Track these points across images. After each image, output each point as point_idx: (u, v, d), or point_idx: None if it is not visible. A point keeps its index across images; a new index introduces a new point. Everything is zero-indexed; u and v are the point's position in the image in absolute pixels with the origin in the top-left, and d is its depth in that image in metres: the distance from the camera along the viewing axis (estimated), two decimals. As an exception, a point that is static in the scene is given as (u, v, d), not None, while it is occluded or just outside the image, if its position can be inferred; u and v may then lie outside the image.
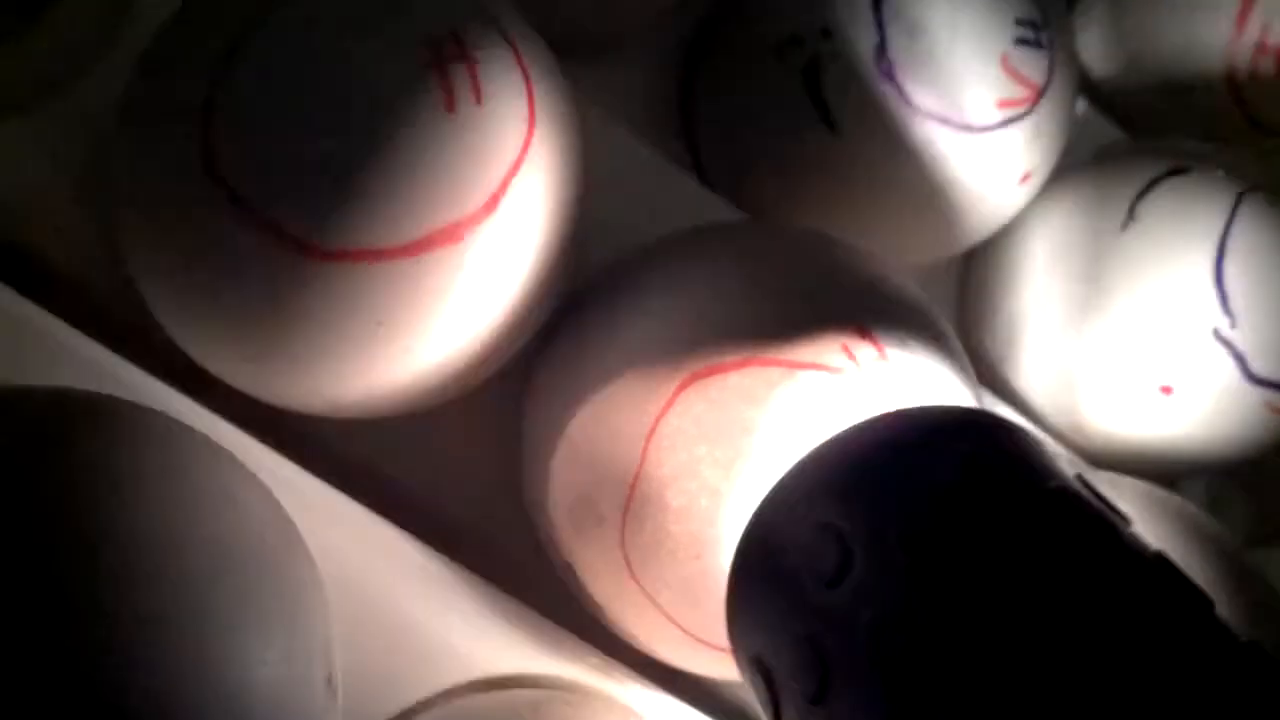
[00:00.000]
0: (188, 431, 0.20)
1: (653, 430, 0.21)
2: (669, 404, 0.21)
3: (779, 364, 0.21)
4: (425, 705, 0.23)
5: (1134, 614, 0.14)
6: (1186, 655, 0.14)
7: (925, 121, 0.27)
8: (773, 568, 0.17)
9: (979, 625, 0.14)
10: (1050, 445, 0.17)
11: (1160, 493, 0.29)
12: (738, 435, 0.21)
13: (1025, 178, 0.29)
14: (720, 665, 0.22)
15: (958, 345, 0.23)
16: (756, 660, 0.17)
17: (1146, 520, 0.27)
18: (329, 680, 0.19)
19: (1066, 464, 0.16)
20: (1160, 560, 0.15)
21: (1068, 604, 0.14)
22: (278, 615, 0.18)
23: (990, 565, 0.15)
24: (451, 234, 0.20)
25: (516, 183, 0.21)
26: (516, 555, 0.25)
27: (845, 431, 0.17)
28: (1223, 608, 0.25)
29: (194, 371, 0.22)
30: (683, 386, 0.21)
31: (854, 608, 0.15)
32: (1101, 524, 0.15)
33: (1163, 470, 0.32)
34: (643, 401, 0.21)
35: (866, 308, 0.22)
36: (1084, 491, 0.16)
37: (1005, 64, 0.27)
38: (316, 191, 0.19)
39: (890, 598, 0.15)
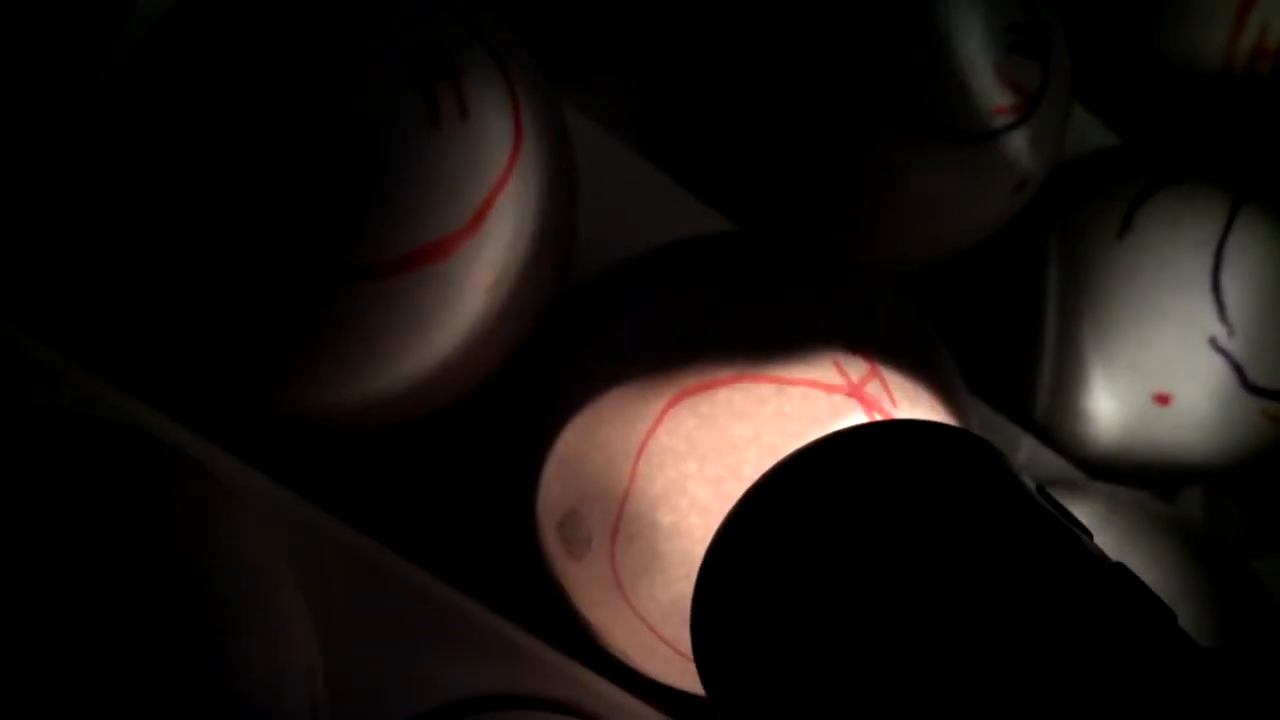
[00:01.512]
0: (165, 450, 0.20)
1: (642, 446, 0.21)
2: (659, 420, 0.21)
3: (770, 380, 0.21)
4: (412, 726, 0.23)
5: (1094, 625, 0.14)
6: (1147, 666, 0.14)
7: (917, 129, 0.27)
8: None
9: (938, 636, 0.14)
10: (1013, 458, 0.17)
11: (1158, 504, 0.29)
12: (728, 452, 0.20)
13: (1020, 185, 0.29)
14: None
15: (950, 359, 0.23)
16: None
17: (1144, 532, 0.27)
18: (313, 709, 0.19)
19: (1029, 478, 0.16)
20: (1121, 572, 0.15)
21: (1027, 614, 0.14)
22: (259, 640, 0.18)
23: (950, 577, 0.14)
24: (438, 250, 0.20)
25: (503, 197, 0.20)
26: (504, 573, 0.25)
27: (805, 446, 0.17)
28: (1221, 619, 0.25)
29: (174, 388, 0.22)
30: (673, 402, 0.21)
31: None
32: (1061, 536, 0.15)
33: (1160, 480, 0.32)
34: (632, 417, 0.21)
35: (858, 323, 0.22)
36: (1044, 504, 0.16)
37: (999, 71, 0.27)
38: (300, 208, 0.19)
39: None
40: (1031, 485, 0.16)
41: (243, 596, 0.18)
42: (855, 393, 0.21)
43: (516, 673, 0.24)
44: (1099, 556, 0.15)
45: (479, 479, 0.25)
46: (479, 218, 0.20)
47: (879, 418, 0.21)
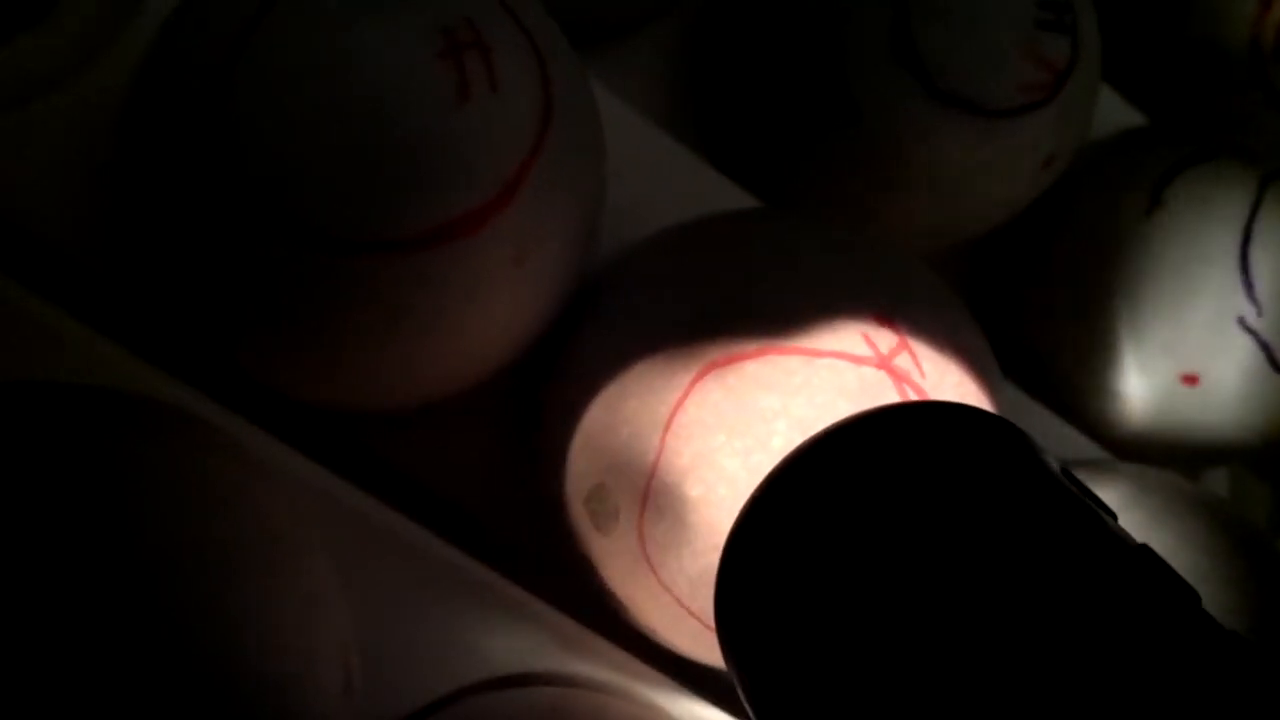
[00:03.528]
0: (200, 426, 0.20)
1: (670, 420, 0.21)
2: (686, 393, 0.21)
3: (798, 352, 0.21)
4: (443, 703, 0.23)
5: (1118, 606, 0.14)
6: (1171, 647, 0.14)
7: (945, 106, 0.26)
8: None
9: (959, 616, 0.14)
10: (1037, 440, 0.17)
11: (1186, 484, 0.29)
12: (756, 424, 0.20)
13: (1047, 162, 0.28)
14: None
15: (979, 333, 0.23)
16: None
17: (1173, 512, 0.27)
18: (347, 682, 0.19)
19: (1053, 459, 0.16)
20: (1145, 553, 0.15)
21: (1051, 596, 0.14)
22: (292, 613, 0.18)
23: (973, 559, 0.14)
24: (468, 224, 0.20)
25: (533, 171, 0.20)
26: (533, 549, 0.25)
27: (831, 427, 0.17)
28: (1250, 599, 0.25)
29: (206, 365, 0.22)
30: (700, 375, 0.21)
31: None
32: (1084, 518, 0.15)
33: (1188, 460, 0.32)
34: (660, 391, 0.21)
35: (886, 295, 0.21)
36: (1068, 485, 0.16)
37: (1027, 47, 0.27)
38: (329, 182, 0.19)
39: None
40: (1056, 467, 0.16)
41: (276, 569, 0.18)
42: (884, 364, 0.21)
43: (544, 649, 0.24)
44: (1123, 538, 0.15)
45: (508, 455, 0.25)
46: (509, 191, 0.20)
47: (908, 389, 0.20)
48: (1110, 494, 0.26)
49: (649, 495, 0.21)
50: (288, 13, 0.20)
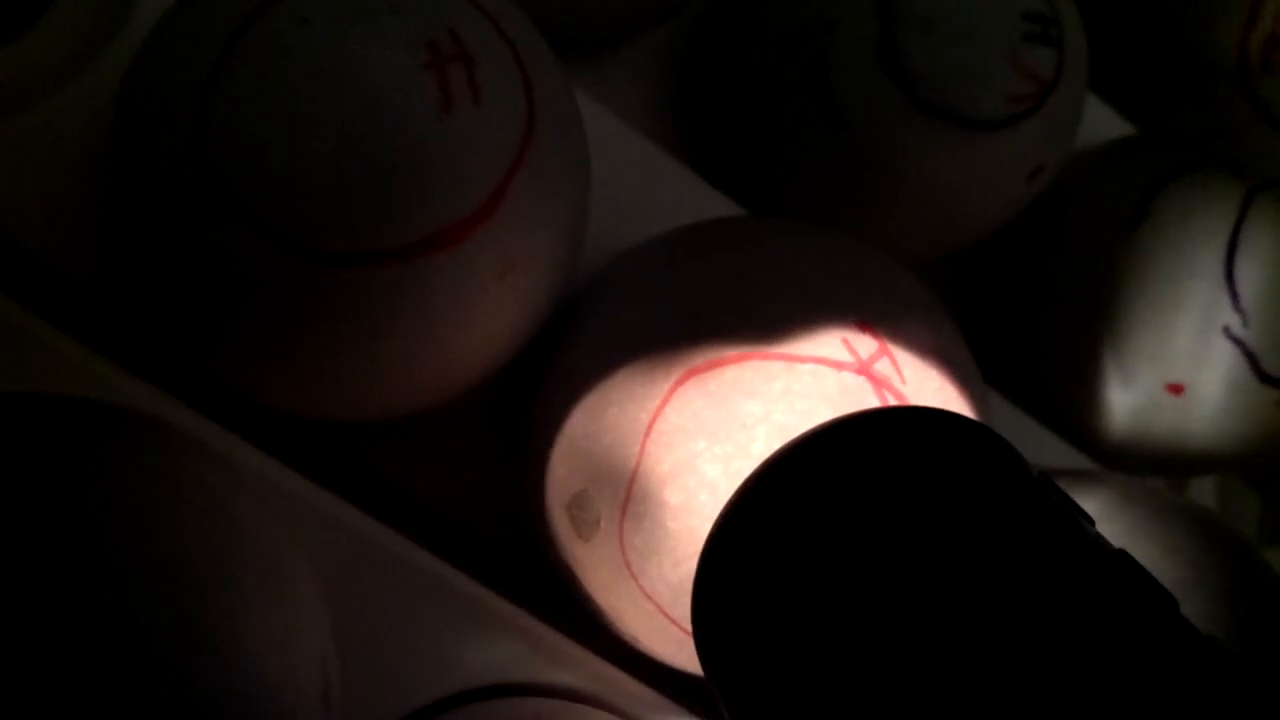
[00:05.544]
0: (183, 438, 0.20)
1: (651, 426, 0.21)
2: (667, 399, 0.21)
3: (779, 358, 0.21)
4: (423, 714, 0.23)
5: (1095, 610, 0.14)
6: (1146, 651, 0.14)
7: (931, 117, 0.27)
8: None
9: (935, 621, 0.14)
10: (1017, 446, 0.17)
11: (1171, 494, 0.29)
12: (737, 430, 0.20)
13: (1034, 174, 0.28)
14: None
15: (962, 341, 0.23)
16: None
17: (1157, 521, 0.27)
18: (325, 694, 0.19)
19: (1031, 465, 0.16)
20: (1123, 558, 0.15)
21: (1028, 601, 0.14)
22: (272, 627, 0.18)
23: (950, 563, 0.15)
24: (451, 236, 0.20)
25: (517, 183, 0.20)
26: (515, 559, 0.25)
27: (808, 433, 0.17)
28: (1236, 608, 0.25)
29: (189, 376, 0.22)
30: (681, 381, 0.21)
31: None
32: (1062, 523, 0.15)
33: (1174, 470, 0.32)
34: (641, 397, 0.21)
35: (868, 301, 0.22)
36: (1046, 491, 0.16)
37: (1014, 59, 0.27)
38: (313, 194, 0.19)
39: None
40: (1034, 472, 0.16)
41: (256, 579, 0.18)
42: (864, 370, 0.21)
43: (526, 659, 0.24)
44: (1101, 543, 0.15)
45: (490, 464, 0.25)
46: (492, 203, 0.20)
47: (888, 395, 0.20)
48: (1093, 502, 0.26)
49: (630, 501, 0.21)
50: (272, 23, 0.20)
